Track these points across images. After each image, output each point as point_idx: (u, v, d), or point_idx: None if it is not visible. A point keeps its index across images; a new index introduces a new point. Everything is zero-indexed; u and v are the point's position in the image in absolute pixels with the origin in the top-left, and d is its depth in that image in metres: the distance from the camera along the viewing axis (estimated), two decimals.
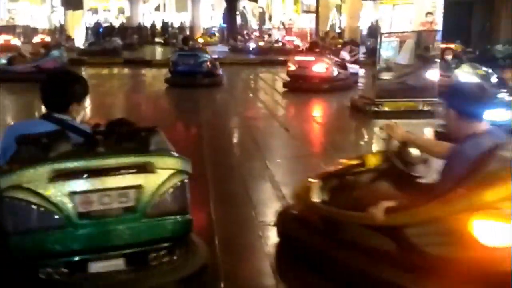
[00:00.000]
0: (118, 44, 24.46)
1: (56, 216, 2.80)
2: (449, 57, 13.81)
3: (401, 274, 3.04)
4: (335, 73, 13.52)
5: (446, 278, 2.87)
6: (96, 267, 2.93)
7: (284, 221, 4.14)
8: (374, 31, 13.44)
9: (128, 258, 2.99)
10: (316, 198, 3.80)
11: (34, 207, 2.78)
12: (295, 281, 3.72)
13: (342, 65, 14.18)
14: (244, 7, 36.41)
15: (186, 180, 3.13)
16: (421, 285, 2.97)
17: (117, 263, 2.98)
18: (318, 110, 11.99)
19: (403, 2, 13.39)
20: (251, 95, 14.44)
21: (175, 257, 3.12)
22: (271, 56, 23.30)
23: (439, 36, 13.85)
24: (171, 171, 3.04)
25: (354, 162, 3.98)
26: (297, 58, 13.98)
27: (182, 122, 10.25)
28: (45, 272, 2.86)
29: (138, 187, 2.94)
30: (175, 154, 3.16)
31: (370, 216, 3.20)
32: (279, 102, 12.80)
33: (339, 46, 19.56)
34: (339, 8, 28.45)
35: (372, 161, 3.87)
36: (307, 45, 15.85)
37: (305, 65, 13.37)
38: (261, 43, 26.28)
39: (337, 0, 28.88)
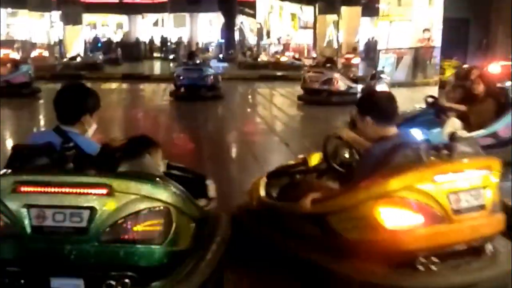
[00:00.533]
0: (99, 59, 24.55)
1: (12, 226, 2.84)
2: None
3: (325, 256, 3.55)
4: (347, 87, 13.76)
5: (358, 259, 3.38)
6: (57, 283, 2.88)
7: (241, 215, 4.48)
8: (371, 47, 13.50)
9: (87, 280, 2.88)
10: (263, 193, 4.28)
11: None
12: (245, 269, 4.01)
13: (354, 80, 14.45)
14: (242, 22, 36.51)
15: (157, 208, 2.91)
16: (340, 265, 3.45)
17: (77, 283, 2.88)
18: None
19: (399, 19, 13.50)
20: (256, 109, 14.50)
21: None
22: (271, 71, 23.49)
23: (436, 53, 13.95)
24: (134, 197, 2.86)
25: (299, 161, 4.62)
26: (310, 73, 14.30)
27: (188, 133, 10.30)
28: (6, 280, 2.89)
29: (92, 209, 2.82)
30: (149, 179, 2.98)
31: (300, 206, 3.74)
32: (292, 116, 13.01)
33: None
34: (336, 24, 28.54)
35: (314, 160, 4.51)
36: (318, 60, 16.18)
37: (319, 79, 13.68)
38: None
39: (334, 16, 29.03)
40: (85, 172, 2.91)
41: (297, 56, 28.17)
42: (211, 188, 3.96)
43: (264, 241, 4.06)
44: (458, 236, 3.41)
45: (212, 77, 14.52)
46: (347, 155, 4.00)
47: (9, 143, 8.47)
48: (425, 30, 14.06)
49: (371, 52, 24.06)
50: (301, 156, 4.75)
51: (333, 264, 3.49)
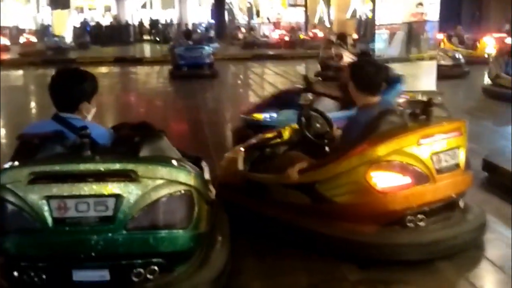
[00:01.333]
0: (65, 43, 24.36)
1: (32, 220, 2.72)
2: None
3: (316, 222, 3.74)
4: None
5: (349, 221, 3.65)
6: (79, 275, 2.80)
7: (223, 192, 4.25)
8: (363, 24, 13.37)
9: (113, 270, 2.81)
10: (241, 167, 4.37)
11: (13, 208, 2.73)
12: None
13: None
14: (231, 2, 36.26)
15: (182, 192, 2.87)
16: (332, 229, 3.69)
17: (102, 274, 2.81)
18: None
19: None
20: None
21: (175, 274, 2.92)
22: (262, 50, 23.35)
23: (428, 27, 13.88)
24: (160, 181, 2.79)
25: (272, 135, 4.68)
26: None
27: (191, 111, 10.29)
28: (25, 277, 2.79)
29: (117, 196, 2.74)
30: (171, 163, 2.93)
31: (287, 176, 3.85)
32: None
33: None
34: (326, 1, 28.42)
35: (287, 133, 4.63)
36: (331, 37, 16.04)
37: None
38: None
39: None
40: (108, 159, 2.80)
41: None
42: (206, 170, 3.80)
43: (251, 215, 4.17)
44: (440, 194, 3.71)
45: (212, 55, 15.06)
46: (319, 126, 4.35)
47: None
48: (418, 4, 13.94)
49: (361, 28, 23.99)
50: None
51: (325, 228, 3.70)
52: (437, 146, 3.68)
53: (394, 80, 6.89)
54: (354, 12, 29.27)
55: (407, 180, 3.59)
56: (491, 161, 5.48)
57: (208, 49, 15.01)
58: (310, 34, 25.64)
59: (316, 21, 26.27)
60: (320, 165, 3.80)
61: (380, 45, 12.85)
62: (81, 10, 41.83)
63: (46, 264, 2.78)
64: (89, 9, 43.25)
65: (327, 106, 6.06)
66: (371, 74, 3.83)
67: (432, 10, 12.80)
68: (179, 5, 36.15)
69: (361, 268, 3.59)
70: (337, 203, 3.66)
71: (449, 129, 3.81)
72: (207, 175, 3.71)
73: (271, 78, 15.84)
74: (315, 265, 3.66)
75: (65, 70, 3.36)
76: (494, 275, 3.64)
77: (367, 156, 3.56)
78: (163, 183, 2.79)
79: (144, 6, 41.51)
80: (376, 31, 12.52)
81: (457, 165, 3.82)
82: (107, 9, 41.23)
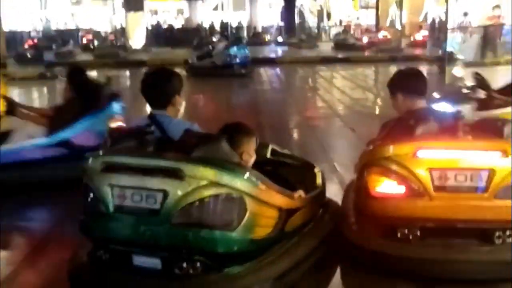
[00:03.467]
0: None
1: (100, 204, 3.06)
2: None
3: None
4: None
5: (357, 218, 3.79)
6: (138, 260, 3.07)
7: None
8: (436, 26, 13.05)
9: (163, 261, 3.02)
10: None
11: (90, 193, 3.11)
12: None
13: None
14: (301, 4, 36.10)
15: (228, 195, 2.93)
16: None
17: (155, 262, 3.03)
18: None
19: None
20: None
21: (222, 274, 3.01)
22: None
23: (506, 31, 13.33)
24: (205, 182, 2.89)
25: None
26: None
27: None
28: (98, 254, 3.16)
29: (164, 192, 2.92)
30: (220, 165, 2.95)
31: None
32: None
33: None
34: (399, 3, 27.81)
35: None
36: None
37: None
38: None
39: None
40: (159, 156, 3.07)
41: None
42: (319, 176, 3.97)
43: None
44: (438, 213, 3.43)
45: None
46: None
47: None
48: (495, 7, 13.39)
49: (436, 31, 23.33)
50: None
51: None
52: (445, 161, 3.40)
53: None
54: (426, 15, 28.54)
55: (400, 189, 3.46)
56: None
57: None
58: (380, 36, 25.10)
59: (387, 23, 25.72)
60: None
61: (453, 49, 12.41)
62: (155, 12, 42.89)
63: (111, 246, 3.11)
64: (163, 11, 44.28)
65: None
66: (413, 80, 3.93)
67: (509, 13, 12.28)
68: (250, 7, 36.42)
69: None
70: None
71: (471, 147, 3.43)
72: (319, 181, 3.92)
73: (339, 82, 15.61)
74: None
75: (154, 71, 3.73)
76: None
77: (369, 156, 3.68)
78: (208, 184, 2.90)
79: (216, 8, 42.04)
80: (449, 34, 12.10)
81: (482, 189, 3.37)
82: (180, 11, 42.05)
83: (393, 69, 18.88)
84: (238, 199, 2.95)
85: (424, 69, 15.06)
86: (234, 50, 15.99)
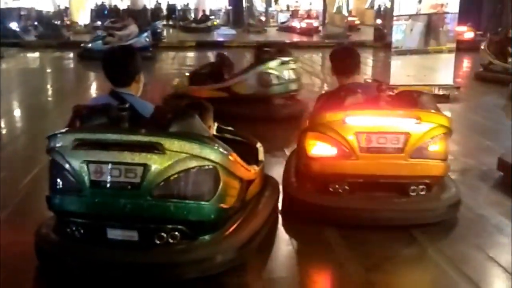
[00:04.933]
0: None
1: (74, 180, 3.10)
2: None
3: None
4: None
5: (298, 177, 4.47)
6: (112, 233, 3.15)
7: None
8: (383, 13, 13.17)
9: (141, 232, 3.12)
10: None
11: (60, 169, 3.16)
12: None
13: None
14: None
15: (205, 167, 3.12)
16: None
17: (131, 234, 3.13)
18: None
19: None
20: None
21: (197, 241, 3.21)
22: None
23: (448, 19, 13.62)
24: (183, 155, 3.05)
25: None
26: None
27: None
28: (69, 230, 3.21)
29: (145, 166, 3.02)
30: (196, 139, 3.13)
31: None
32: None
33: None
34: None
35: None
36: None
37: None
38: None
39: None
40: (139, 132, 3.13)
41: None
42: (261, 151, 4.18)
43: None
44: (364, 170, 4.07)
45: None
46: None
47: None
48: None
49: (381, 19, 23.68)
50: None
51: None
52: (370, 127, 4.03)
53: None
54: (373, 2, 28.90)
55: (332, 151, 4.10)
56: (506, 161, 5.32)
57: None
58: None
59: (334, 10, 25.90)
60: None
61: (399, 37, 12.62)
62: None
63: (85, 221, 3.17)
64: None
65: None
66: (342, 59, 4.54)
67: (452, 1, 12.52)
68: None
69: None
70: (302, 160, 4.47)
71: (391, 114, 4.05)
72: (261, 156, 4.14)
73: None
74: None
75: (115, 49, 3.69)
76: (505, 281, 3.48)
77: (307, 124, 4.34)
78: (187, 157, 3.06)
79: None
80: (395, 22, 12.29)
81: (399, 149, 4.02)
82: None
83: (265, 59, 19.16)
84: (213, 170, 3.15)
85: (370, 55, 15.23)
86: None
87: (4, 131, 7.97)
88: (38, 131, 7.04)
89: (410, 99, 4.36)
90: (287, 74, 8.23)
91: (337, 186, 4.14)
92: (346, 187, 4.15)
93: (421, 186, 4.13)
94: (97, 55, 14.58)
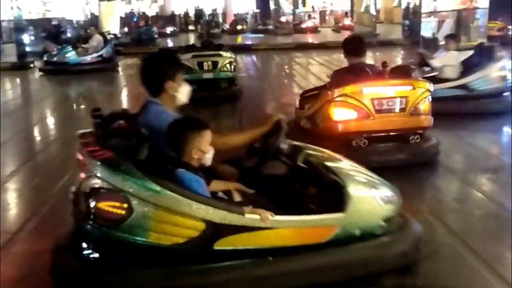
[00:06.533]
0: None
1: None
2: None
3: (313, 139, 4.73)
4: None
5: (323, 137, 5.31)
6: None
7: None
8: (412, 11, 13.04)
9: None
10: None
11: None
12: None
13: None
14: None
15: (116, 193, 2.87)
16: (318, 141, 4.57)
17: None
18: None
19: None
20: None
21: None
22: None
23: (478, 15, 13.38)
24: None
25: None
26: None
27: None
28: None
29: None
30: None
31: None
32: None
33: None
34: None
35: None
36: None
37: None
38: None
39: None
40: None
41: None
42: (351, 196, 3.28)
43: None
44: (378, 126, 5.46)
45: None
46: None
47: None
48: None
49: (410, 16, 23.39)
50: None
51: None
52: (380, 94, 5.43)
53: None
54: (400, 0, 28.60)
55: (353, 114, 5.43)
56: None
57: None
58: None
59: (362, 9, 25.71)
60: (315, 101, 5.84)
61: (428, 33, 12.46)
62: (128, 1, 42.35)
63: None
64: (137, 0, 43.75)
65: None
66: (352, 43, 5.96)
67: None
68: None
69: None
70: (320, 127, 5.68)
71: (395, 84, 5.49)
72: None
73: (315, 68, 15.57)
74: None
75: (148, 55, 3.41)
76: None
77: (330, 96, 5.50)
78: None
79: None
80: (423, 19, 12.12)
81: (401, 109, 5.46)
82: (154, 0, 41.58)
83: (368, 54, 18.98)
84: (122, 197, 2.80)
85: (398, 53, 15.06)
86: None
87: None
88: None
89: (404, 72, 5.80)
90: None
91: (358, 141, 5.47)
92: (366, 141, 5.49)
93: (416, 136, 5.59)
94: (62, 68, 14.53)
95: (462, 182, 5.33)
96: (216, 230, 2.88)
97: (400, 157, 5.50)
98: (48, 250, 3.22)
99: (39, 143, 7.98)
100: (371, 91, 5.39)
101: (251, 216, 2.93)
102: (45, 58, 15.60)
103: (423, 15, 12.95)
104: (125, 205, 2.80)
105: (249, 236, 2.95)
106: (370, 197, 3.25)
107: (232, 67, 10.13)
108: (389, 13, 35.04)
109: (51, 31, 23.05)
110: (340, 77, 5.62)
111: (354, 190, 3.20)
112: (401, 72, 5.76)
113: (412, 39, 18.99)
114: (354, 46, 5.78)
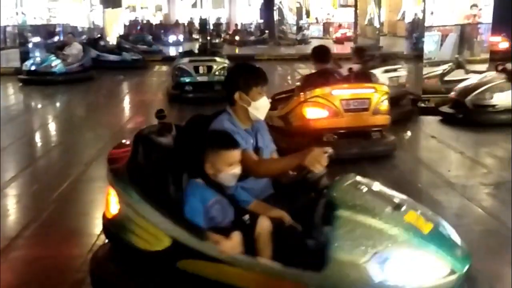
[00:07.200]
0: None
1: None
2: None
3: (285, 138, 5.77)
4: None
5: (297, 134, 6.27)
6: None
7: None
8: (416, 25, 13.10)
9: None
10: None
11: None
12: None
13: None
14: (280, 1, 36.01)
15: None
16: (289, 141, 5.74)
17: None
18: None
19: None
20: None
21: None
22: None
23: (482, 30, 13.39)
24: None
25: None
26: None
27: None
28: None
29: None
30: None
31: None
32: None
33: None
34: (377, 1, 27.89)
35: None
36: None
37: None
38: None
39: None
40: None
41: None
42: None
43: None
44: (346, 123, 6.32)
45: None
46: None
47: None
48: (472, 6, 13.43)
49: (415, 30, 23.39)
50: None
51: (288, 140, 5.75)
52: (347, 95, 6.32)
53: None
54: (404, 13, 28.64)
55: (324, 113, 6.27)
56: None
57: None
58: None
59: (366, 21, 25.72)
60: (288, 102, 6.54)
61: (431, 47, 12.44)
62: (133, 9, 42.50)
63: None
64: (141, 8, 43.91)
65: None
66: (318, 52, 6.72)
67: (485, 11, 12.32)
68: (229, 4, 36.29)
69: None
70: (293, 125, 6.41)
71: (362, 87, 6.48)
72: None
73: None
74: None
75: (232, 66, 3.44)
76: None
77: (302, 98, 6.33)
78: None
79: (194, 5, 41.79)
80: (426, 33, 12.14)
81: (364, 109, 6.33)
82: (158, 8, 41.72)
83: (370, 66, 18.96)
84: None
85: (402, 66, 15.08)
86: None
87: None
88: None
89: (366, 77, 6.86)
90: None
91: (329, 136, 6.25)
92: (335, 136, 6.28)
93: (377, 132, 6.47)
94: (51, 79, 13.73)
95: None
96: (179, 249, 2.71)
97: (364, 150, 6.30)
98: (46, 256, 3.21)
99: (40, 149, 7.98)
100: (340, 93, 6.27)
101: (210, 244, 2.60)
102: (26, 67, 14.54)
103: (426, 29, 12.91)
104: (118, 203, 2.97)
105: (208, 265, 2.65)
106: (359, 264, 2.40)
107: (226, 71, 10.98)
108: (392, 26, 35.10)
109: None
110: (310, 81, 6.45)
111: (340, 250, 2.44)
112: (363, 77, 6.78)
113: (415, 52, 19.05)
114: (321, 54, 6.64)
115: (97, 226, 4.44)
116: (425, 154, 7.07)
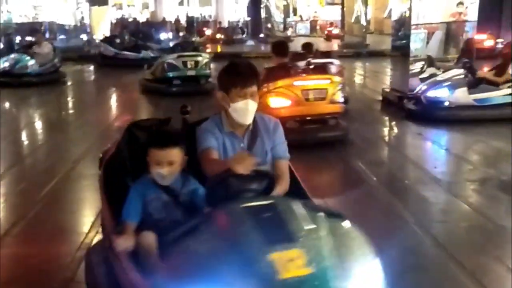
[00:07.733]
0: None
1: None
2: None
3: None
4: None
5: None
6: None
7: None
8: (402, 23, 13.16)
9: None
10: None
11: None
12: None
13: None
14: (267, 0, 36.09)
15: None
16: None
17: None
18: None
19: None
20: None
21: None
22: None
23: (468, 27, 13.49)
24: None
25: None
26: None
27: None
28: None
29: None
30: None
31: None
32: None
33: None
34: (364, 0, 28.05)
35: None
36: None
37: None
38: None
39: None
40: None
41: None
42: None
43: None
44: (306, 111, 7.02)
45: None
46: None
47: None
48: (459, 3, 13.53)
49: (401, 29, 23.50)
50: None
51: None
52: (307, 85, 6.99)
53: None
54: (391, 11, 28.78)
55: (287, 102, 6.96)
56: None
57: None
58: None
59: (352, 19, 25.87)
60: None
61: (417, 45, 12.50)
62: (119, 6, 42.29)
63: None
64: (128, 5, 43.71)
65: None
66: (278, 46, 7.51)
67: (471, 9, 12.41)
68: (216, 2, 36.20)
69: None
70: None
71: (319, 78, 7.18)
72: None
73: None
74: None
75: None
76: None
77: (267, 88, 6.87)
78: None
79: (181, 3, 41.68)
80: (413, 31, 12.19)
81: (322, 98, 7.02)
82: (145, 6, 41.56)
83: (357, 64, 19.07)
84: None
85: (388, 64, 15.22)
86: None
87: None
88: None
89: (324, 68, 7.90)
90: None
91: (292, 123, 6.75)
92: (297, 123, 6.94)
93: (333, 119, 7.23)
94: (26, 80, 12.98)
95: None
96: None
97: (323, 135, 7.13)
98: (34, 254, 3.21)
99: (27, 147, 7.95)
100: (301, 83, 6.95)
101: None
102: None
103: (412, 27, 12.97)
104: None
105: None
106: None
107: (208, 66, 12.44)
108: (379, 24, 35.24)
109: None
110: (272, 74, 7.02)
111: None
112: (320, 69, 7.67)
113: (402, 50, 19.13)
114: (281, 49, 7.30)
115: (86, 224, 4.44)
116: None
